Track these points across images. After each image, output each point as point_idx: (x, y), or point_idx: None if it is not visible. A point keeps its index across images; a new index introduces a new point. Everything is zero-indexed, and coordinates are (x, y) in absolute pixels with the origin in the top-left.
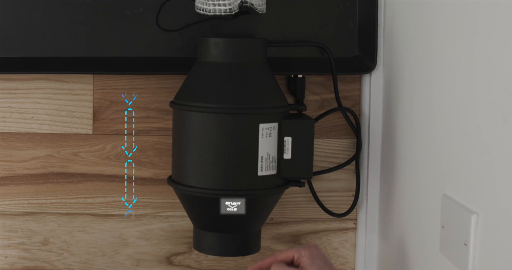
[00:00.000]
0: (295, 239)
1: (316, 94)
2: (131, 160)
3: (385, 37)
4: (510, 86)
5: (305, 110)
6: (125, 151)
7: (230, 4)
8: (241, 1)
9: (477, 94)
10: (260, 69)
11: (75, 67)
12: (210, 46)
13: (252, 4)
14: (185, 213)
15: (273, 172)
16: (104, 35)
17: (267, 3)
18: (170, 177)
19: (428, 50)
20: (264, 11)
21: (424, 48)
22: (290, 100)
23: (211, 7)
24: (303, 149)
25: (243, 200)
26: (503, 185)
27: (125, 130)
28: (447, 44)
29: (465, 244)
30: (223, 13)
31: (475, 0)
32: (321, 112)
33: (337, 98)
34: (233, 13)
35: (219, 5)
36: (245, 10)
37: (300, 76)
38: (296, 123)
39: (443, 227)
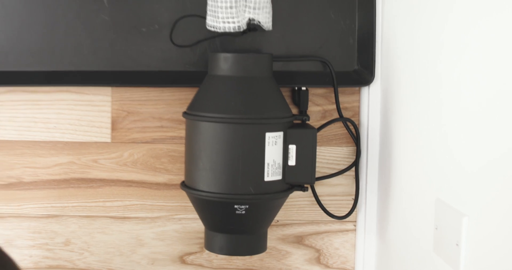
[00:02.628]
0: (299, 240)
1: (319, 105)
2: (146, 167)
3: (383, 52)
4: (495, 100)
5: (308, 120)
6: (141, 158)
7: (238, 22)
8: (249, 19)
9: (466, 105)
10: (266, 82)
11: (95, 80)
12: (220, 61)
13: (259, 22)
14: (197, 216)
15: (279, 177)
16: (122, 51)
17: (273, 21)
18: (183, 182)
19: (422, 64)
20: (270, 29)
21: (419, 63)
22: (294, 110)
23: (221, 25)
24: (307, 156)
25: (251, 203)
26: (491, 189)
27: (141, 139)
28: (440, 59)
29: (457, 245)
30: (232, 31)
31: (464, 18)
32: (323, 122)
33: (338, 109)
34: (241, 30)
35: (228, 22)
36: (252, 28)
37: (303, 88)
38: (300, 132)
39: (436, 228)
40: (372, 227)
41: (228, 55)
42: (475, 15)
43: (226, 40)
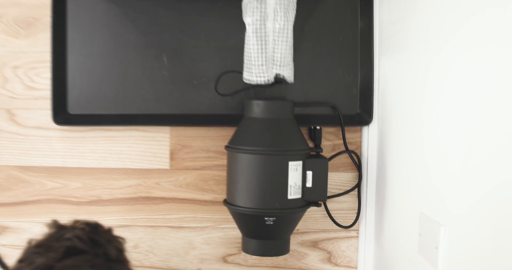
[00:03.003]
0: (314, 244)
1: (329, 140)
2: (197, 188)
3: (379, 100)
4: (470, 136)
5: (322, 152)
6: (193, 181)
7: (268, 76)
8: (276, 74)
9: (441, 143)
10: (289, 123)
11: (157, 121)
12: (254, 106)
13: (283, 76)
14: (235, 225)
15: (299, 196)
16: (178, 98)
17: (294, 75)
18: (225, 199)
19: (409, 110)
20: (292, 81)
21: (406, 108)
22: (311, 144)
23: (254, 78)
24: (320, 180)
25: (277, 216)
26: (462, 206)
27: (193, 166)
28: (422, 106)
29: (436, 248)
30: (263, 83)
31: (439, 66)
32: (333, 153)
33: (345, 143)
34: (270, 82)
35: (260, 76)
36: (278, 81)
37: (318, 127)
38: (315, 161)
39: (420, 235)
40: (371, 234)
41: (260, 102)
42: (449, 75)
43: (258, 90)
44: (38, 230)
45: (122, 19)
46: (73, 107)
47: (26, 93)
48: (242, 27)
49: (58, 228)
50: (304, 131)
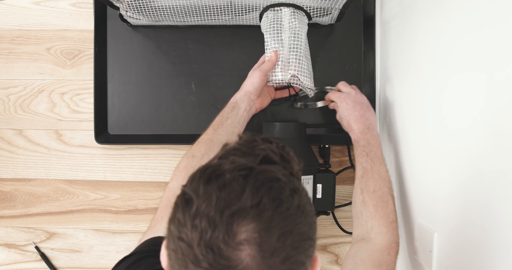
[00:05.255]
0: (324, 248)
1: (337, 157)
2: None
3: (380, 123)
4: (459, 152)
5: (330, 167)
6: None
7: (283, 76)
8: (294, 83)
9: (434, 158)
10: (302, 142)
11: (186, 141)
12: (271, 128)
13: (300, 82)
14: None
15: None
16: (204, 120)
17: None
18: None
19: (408, 131)
20: (313, 95)
21: (406, 129)
22: (320, 161)
23: (270, 78)
24: (329, 191)
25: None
26: (452, 215)
27: None
28: (420, 128)
29: (430, 251)
30: (278, 82)
31: (434, 90)
32: (340, 168)
33: (350, 160)
34: (286, 83)
35: (276, 76)
36: (300, 96)
37: (326, 146)
38: (325, 176)
39: (416, 240)
40: None
41: (276, 123)
42: (442, 98)
43: (275, 112)
44: (82, 235)
45: (156, 51)
46: (113, 128)
47: (72, 116)
48: (259, 58)
49: (250, 139)
50: (315, 149)
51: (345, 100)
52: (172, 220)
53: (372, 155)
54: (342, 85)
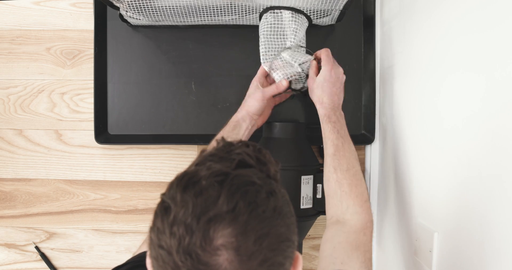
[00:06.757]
0: None
1: None
2: None
3: (380, 122)
4: (458, 151)
5: None
6: None
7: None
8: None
9: (433, 157)
10: (302, 142)
11: (186, 141)
12: (271, 128)
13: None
14: None
15: (310, 206)
16: (204, 120)
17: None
18: None
19: (407, 130)
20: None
21: (405, 128)
22: (320, 161)
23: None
24: None
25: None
26: (451, 215)
27: None
28: (419, 127)
29: (430, 251)
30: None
31: (431, 89)
32: None
33: None
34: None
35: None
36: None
37: None
38: None
39: (416, 240)
40: (373, 239)
41: (277, 123)
42: (440, 97)
43: (275, 112)
44: (82, 235)
45: (156, 51)
46: (113, 128)
47: (72, 116)
48: (259, 58)
49: (227, 144)
50: (315, 149)
51: (330, 71)
52: (152, 228)
53: (342, 132)
54: (327, 53)
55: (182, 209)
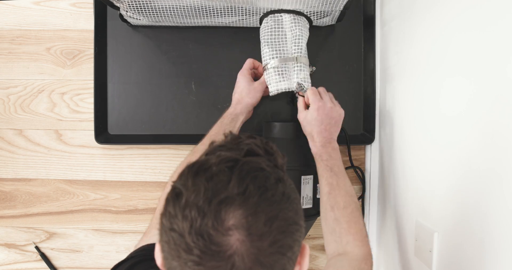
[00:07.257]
0: (323, 248)
1: None
2: None
3: (380, 122)
4: (456, 150)
5: None
6: None
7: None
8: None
9: (432, 157)
10: (302, 142)
11: (186, 141)
12: (271, 128)
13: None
14: None
15: (310, 206)
16: (204, 120)
17: None
18: None
19: (406, 129)
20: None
21: (404, 128)
22: None
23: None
24: None
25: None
26: (451, 215)
27: None
28: (417, 126)
29: (430, 251)
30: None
31: (431, 89)
32: None
33: (350, 159)
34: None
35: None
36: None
37: None
38: None
39: (416, 240)
40: (373, 239)
41: (277, 123)
42: (439, 97)
43: (275, 113)
44: (82, 235)
45: (156, 51)
46: (113, 128)
47: (72, 116)
48: (259, 58)
49: (235, 136)
50: None
51: (318, 110)
52: (164, 213)
53: (335, 169)
54: (321, 90)
55: (194, 193)
